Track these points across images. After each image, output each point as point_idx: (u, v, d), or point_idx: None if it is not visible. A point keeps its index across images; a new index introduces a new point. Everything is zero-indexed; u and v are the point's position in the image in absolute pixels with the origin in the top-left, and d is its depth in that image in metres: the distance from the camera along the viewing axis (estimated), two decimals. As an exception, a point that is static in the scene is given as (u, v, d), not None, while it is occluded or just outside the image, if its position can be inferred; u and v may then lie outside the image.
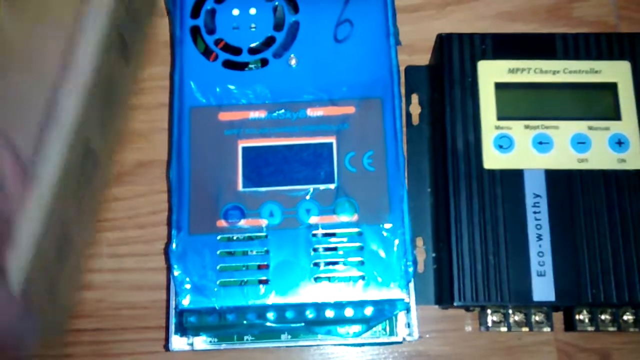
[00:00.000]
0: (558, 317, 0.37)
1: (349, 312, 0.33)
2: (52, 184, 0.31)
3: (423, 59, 0.43)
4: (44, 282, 0.33)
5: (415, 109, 0.42)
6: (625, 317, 0.36)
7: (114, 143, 0.41)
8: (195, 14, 0.38)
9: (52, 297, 0.35)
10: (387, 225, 0.34)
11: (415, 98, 0.43)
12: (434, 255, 0.39)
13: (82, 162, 0.34)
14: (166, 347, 0.35)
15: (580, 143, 0.37)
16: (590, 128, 0.37)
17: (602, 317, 0.36)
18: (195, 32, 0.38)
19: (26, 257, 0.30)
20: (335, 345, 0.38)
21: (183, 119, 0.36)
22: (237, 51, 0.37)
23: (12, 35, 0.33)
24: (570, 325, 0.37)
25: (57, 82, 0.32)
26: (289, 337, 0.35)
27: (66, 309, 0.38)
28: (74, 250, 0.36)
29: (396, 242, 0.34)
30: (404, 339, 0.35)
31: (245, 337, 0.35)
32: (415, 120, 0.42)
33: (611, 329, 0.36)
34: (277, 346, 0.36)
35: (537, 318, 0.36)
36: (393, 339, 0.35)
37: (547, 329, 0.36)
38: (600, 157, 0.36)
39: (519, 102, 0.38)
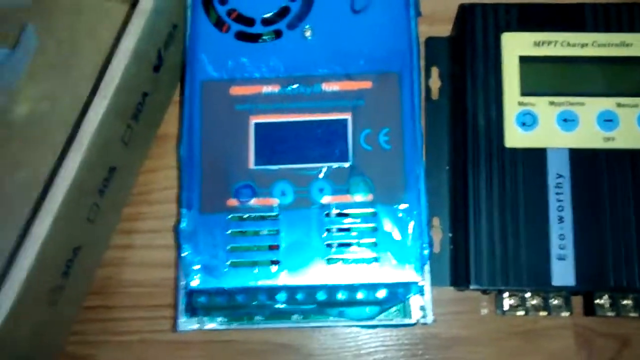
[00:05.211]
0: (577, 300, 0.36)
1: (361, 295, 0.32)
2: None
3: (444, 29, 0.41)
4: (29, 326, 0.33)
5: (435, 83, 0.41)
6: (647, 303, 0.35)
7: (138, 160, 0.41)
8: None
9: (38, 342, 0.35)
10: (403, 206, 0.33)
11: (435, 71, 0.41)
12: (450, 235, 0.38)
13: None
14: (175, 326, 0.34)
15: (607, 121, 0.35)
16: (618, 105, 0.35)
17: (624, 302, 0.35)
18: (207, 2, 0.36)
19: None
20: (347, 326, 0.37)
21: (194, 93, 0.35)
22: (250, 22, 0.36)
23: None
24: (589, 309, 0.36)
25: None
26: (300, 317, 0.35)
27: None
28: (67, 298, 0.35)
29: (412, 223, 0.32)
30: (417, 321, 0.34)
31: (256, 317, 0.35)
32: (435, 94, 0.41)
33: (632, 314, 0.35)
34: (288, 327, 0.36)
35: (555, 302, 0.35)
36: (406, 321, 0.34)
37: (565, 313, 0.35)
38: (628, 135, 0.35)
39: (544, 77, 0.36)
